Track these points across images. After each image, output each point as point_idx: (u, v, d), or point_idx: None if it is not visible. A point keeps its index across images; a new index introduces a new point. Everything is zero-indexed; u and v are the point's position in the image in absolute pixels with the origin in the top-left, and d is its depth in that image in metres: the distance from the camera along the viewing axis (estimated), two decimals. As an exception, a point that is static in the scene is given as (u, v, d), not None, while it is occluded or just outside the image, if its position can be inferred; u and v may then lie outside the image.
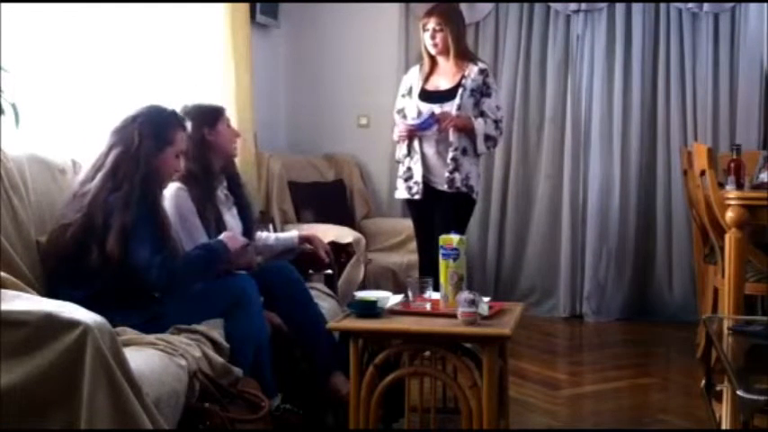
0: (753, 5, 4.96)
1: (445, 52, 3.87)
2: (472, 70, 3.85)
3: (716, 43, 5.04)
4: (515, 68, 5.29)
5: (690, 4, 5.03)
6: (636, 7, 5.12)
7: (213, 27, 4.17)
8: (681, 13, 5.08)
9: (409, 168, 3.90)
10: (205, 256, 2.74)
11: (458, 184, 3.80)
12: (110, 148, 2.67)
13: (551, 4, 5.23)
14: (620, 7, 5.16)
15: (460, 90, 3.82)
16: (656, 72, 5.15)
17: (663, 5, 5.10)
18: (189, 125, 3.01)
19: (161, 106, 2.81)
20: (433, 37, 3.85)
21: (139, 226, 2.56)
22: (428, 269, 3.84)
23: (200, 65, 4.10)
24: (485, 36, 5.34)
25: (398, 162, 4.01)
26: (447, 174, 3.81)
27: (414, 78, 3.97)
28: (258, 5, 4.90)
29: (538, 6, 5.26)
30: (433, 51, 3.88)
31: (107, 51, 3.48)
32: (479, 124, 3.82)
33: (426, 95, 3.89)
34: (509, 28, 5.30)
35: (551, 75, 5.25)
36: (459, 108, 3.79)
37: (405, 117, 3.94)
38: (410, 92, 3.95)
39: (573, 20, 5.23)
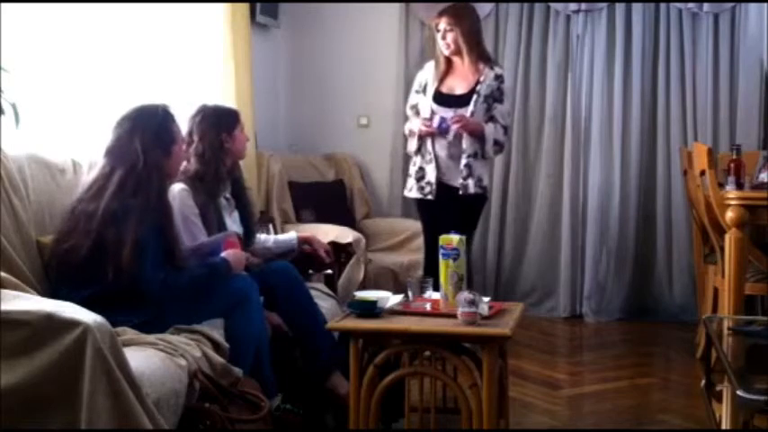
0: (753, 5, 4.95)
1: (458, 53, 3.88)
2: (488, 75, 3.86)
3: (716, 43, 5.04)
4: (515, 68, 5.28)
5: (690, 4, 5.03)
6: (636, 7, 5.12)
7: (213, 27, 4.16)
8: (681, 13, 5.08)
9: (422, 168, 3.92)
10: (207, 275, 2.72)
11: (470, 190, 3.85)
12: (111, 169, 2.62)
13: (551, 4, 5.23)
14: (620, 7, 5.15)
15: (474, 96, 3.83)
16: (656, 72, 5.15)
17: (663, 5, 5.10)
18: (206, 127, 3.04)
19: (148, 108, 2.75)
20: (444, 37, 3.85)
21: (150, 238, 2.55)
22: (432, 269, 3.85)
23: (200, 65, 4.10)
24: (485, 36, 5.29)
25: (410, 155, 4.02)
26: (461, 180, 3.84)
27: (429, 76, 3.96)
28: (258, 5, 4.90)
29: (538, 6, 5.26)
30: (446, 52, 3.88)
31: (107, 51, 3.48)
32: (489, 129, 3.83)
33: (441, 99, 3.89)
34: (509, 28, 5.29)
35: (551, 75, 5.25)
36: (472, 114, 3.82)
37: (418, 113, 3.95)
38: (425, 89, 3.95)
39: (573, 20, 5.23)
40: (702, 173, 3.50)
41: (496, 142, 3.87)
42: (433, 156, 3.87)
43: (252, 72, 4.46)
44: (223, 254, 2.83)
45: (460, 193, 3.85)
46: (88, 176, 2.70)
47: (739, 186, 3.63)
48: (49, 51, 3.18)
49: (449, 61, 3.92)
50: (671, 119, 5.13)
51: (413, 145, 3.96)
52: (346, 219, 4.92)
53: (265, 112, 4.92)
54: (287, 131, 5.50)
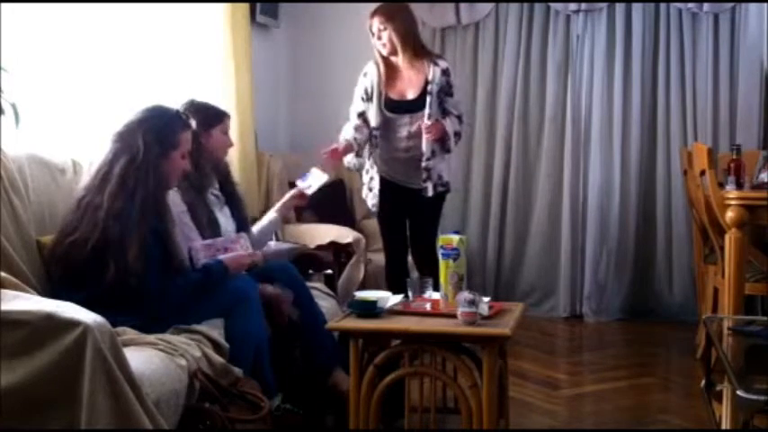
0: (753, 5, 4.95)
1: (394, 52, 3.74)
2: (435, 73, 3.73)
3: (716, 43, 5.04)
4: (515, 68, 5.29)
5: (690, 4, 5.03)
6: (636, 7, 5.12)
7: (213, 27, 4.17)
8: (681, 13, 5.08)
9: (372, 178, 3.84)
10: (204, 280, 2.72)
11: (429, 192, 3.75)
12: (114, 156, 2.62)
13: (551, 4, 5.23)
14: (620, 7, 5.15)
15: (429, 99, 3.70)
16: (656, 72, 5.15)
17: (663, 5, 5.10)
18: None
19: (164, 108, 2.77)
20: (379, 38, 3.73)
21: (150, 241, 2.54)
22: (400, 273, 3.81)
23: (201, 65, 4.10)
24: (485, 36, 5.34)
25: (356, 170, 3.94)
26: (421, 183, 3.75)
27: (373, 81, 3.80)
28: (258, 5, 4.90)
29: (538, 6, 5.26)
30: (384, 52, 3.75)
31: (107, 51, 3.48)
32: (447, 125, 3.73)
33: (392, 106, 3.76)
34: (509, 28, 5.29)
35: (551, 75, 5.25)
36: (429, 117, 3.69)
37: (366, 122, 3.80)
38: (370, 96, 3.79)
39: (573, 20, 5.23)
40: (702, 173, 3.50)
41: (456, 134, 3.77)
42: (377, 167, 3.78)
43: (252, 72, 4.46)
44: (222, 257, 2.83)
45: (423, 194, 3.76)
46: (94, 164, 2.69)
47: (739, 186, 3.63)
48: (49, 51, 3.18)
49: (389, 64, 3.79)
50: (671, 119, 5.13)
51: (349, 158, 3.83)
52: (346, 219, 4.92)
53: (265, 112, 4.92)
54: (287, 131, 5.50)
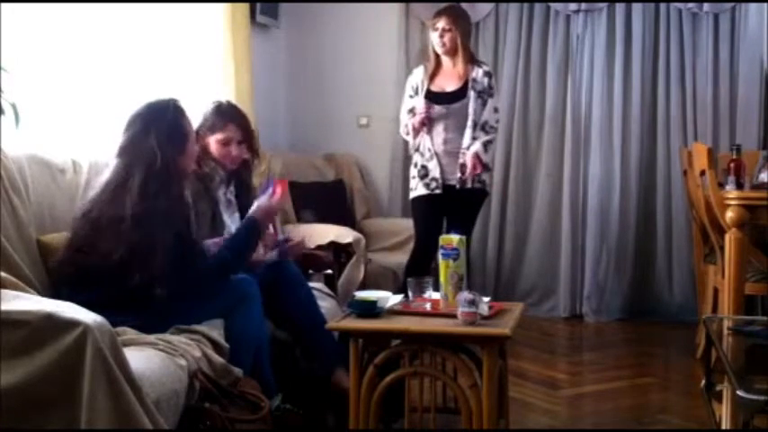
0: (753, 5, 4.95)
1: (452, 53, 3.98)
2: (478, 72, 3.97)
3: (716, 43, 5.04)
4: (515, 68, 5.29)
5: (690, 4, 5.03)
6: (636, 7, 5.12)
7: (213, 27, 4.17)
8: (681, 13, 5.09)
9: (424, 166, 3.99)
10: (243, 238, 2.82)
11: (468, 184, 3.94)
12: (127, 168, 2.58)
13: (551, 4, 5.23)
14: (620, 7, 5.16)
15: (471, 93, 3.93)
16: (656, 72, 5.15)
17: (663, 5, 5.10)
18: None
19: (161, 104, 2.73)
20: (441, 36, 3.94)
21: (175, 242, 2.53)
22: (423, 266, 3.86)
23: (201, 65, 4.10)
24: (485, 36, 5.34)
25: (415, 150, 4.04)
26: (459, 175, 3.92)
27: (419, 79, 4.05)
28: (258, 5, 4.90)
29: (538, 6, 5.26)
30: (440, 51, 3.98)
31: (107, 51, 3.48)
32: (478, 147, 3.88)
33: (433, 96, 3.97)
34: (509, 28, 5.30)
35: (551, 75, 5.25)
36: (474, 112, 3.92)
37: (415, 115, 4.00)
38: (417, 91, 4.03)
39: (573, 20, 5.23)
40: (702, 173, 3.50)
41: (487, 144, 3.97)
42: (433, 152, 3.95)
43: (252, 72, 4.46)
44: (251, 211, 2.89)
45: (457, 187, 3.93)
46: (100, 178, 2.66)
47: (739, 186, 3.63)
48: (49, 51, 3.18)
49: (437, 61, 4.02)
50: (671, 119, 5.13)
51: (413, 141, 4.04)
52: (346, 219, 4.92)
53: (266, 112, 4.91)
54: (287, 131, 5.50)
